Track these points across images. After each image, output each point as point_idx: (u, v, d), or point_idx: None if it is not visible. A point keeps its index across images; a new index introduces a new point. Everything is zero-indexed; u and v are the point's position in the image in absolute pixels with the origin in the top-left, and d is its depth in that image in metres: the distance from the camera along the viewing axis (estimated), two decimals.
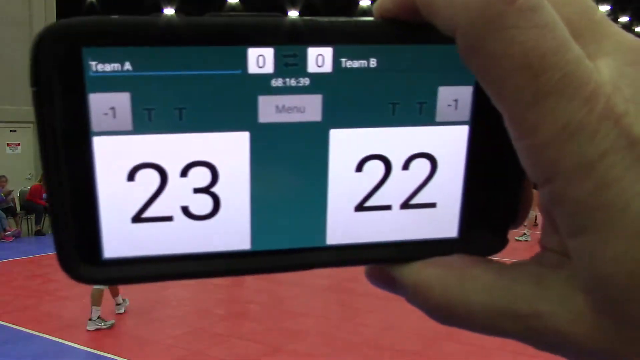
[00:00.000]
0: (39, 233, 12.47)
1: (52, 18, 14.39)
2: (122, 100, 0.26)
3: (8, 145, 13.49)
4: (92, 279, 0.29)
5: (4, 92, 13.32)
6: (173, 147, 0.27)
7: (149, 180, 0.28)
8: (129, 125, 0.27)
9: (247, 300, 7.81)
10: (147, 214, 0.28)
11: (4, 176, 12.37)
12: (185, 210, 0.29)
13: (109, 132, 0.26)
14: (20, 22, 13.66)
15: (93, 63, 0.26)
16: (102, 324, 6.34)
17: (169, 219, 0.29)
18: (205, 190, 0.28)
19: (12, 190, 12.52)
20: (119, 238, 0.28)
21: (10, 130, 13.51)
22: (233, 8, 24.18)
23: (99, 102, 0.26)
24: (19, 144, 13.64)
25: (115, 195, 0.27)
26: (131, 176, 0.27)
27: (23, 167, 13.06)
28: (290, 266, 0.30)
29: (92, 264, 0.28)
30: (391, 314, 6.94)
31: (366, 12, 24.20)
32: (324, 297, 7.74)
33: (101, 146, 0.27)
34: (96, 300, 6.34)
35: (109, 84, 0.26)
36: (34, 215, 12.57)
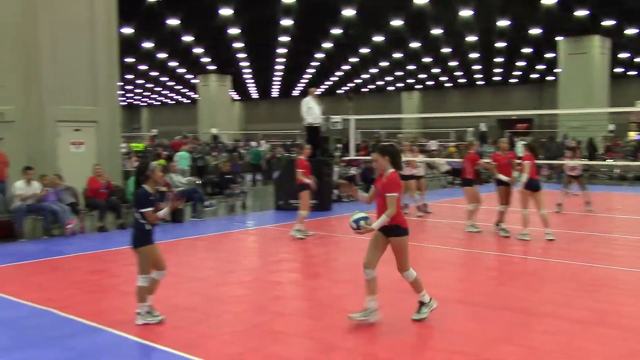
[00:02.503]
0: (101, 229, 12.82)
1: (113, 20, 14.76)
2: None
3: (72, 143, 13.94)
4: None
5: (68, 93, 13.74)
6: None
7: None
8: None
9: (304, 297, 7.82)
10: None
11: (57, 174, 12.80)
12: None
13: None
14: (82, 25, 14.04)
15: None
16: (151, 319, 6.47)
17: None
18: None
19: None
20: None
21: (75, 130, 13.94)
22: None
23: None
24: (82, 143, 14.07)
25: None
26: None
27: (86, 165, 13.46)
28: None
29: None
30: (446, 315, 6.83)
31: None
32: (378, 296, 7.67)
33: None
34: (141, 297, 6.46)
35: None
36: (97, 211, 12.95)
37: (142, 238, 6.42)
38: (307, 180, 11.78)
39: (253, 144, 37.21)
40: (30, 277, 8.98)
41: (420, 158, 15.55)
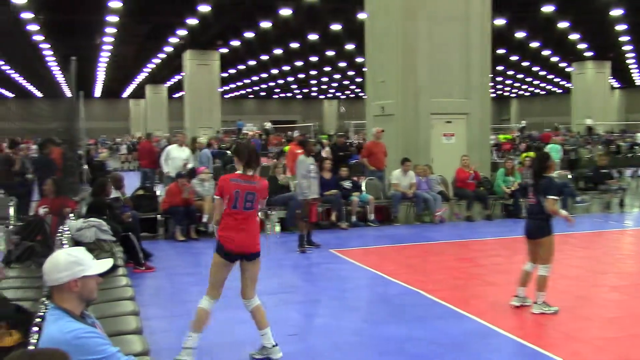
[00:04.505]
0: (468, 219, 13.11)
1: (487, 13, 14.85)
2: None
3: (444, 135, 14.53)
4: None
5: (441, 86, 14.33)
6: None
7: None
8: None
9: None
10: None
11: (427, 164, 13.47)
12: None
13: None
14: (457, 19, 14.43)
15: None
16: (547, 308, 6.42)
17: None
18: None
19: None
20: None
21: (446, 122, 14.50)
22: None
23: None
24: (453, 134, 14.57)
25: None
26: None
27: (456, 156, 13.88)
28: None
29: None
30: None
31: None
32: None
33: None
34: (541, 286, 6.45)
35: None
36: (465, 201, 13.29)
37: (548, 228, 6.53)
38: None
39: None
40: (403, 258, 9.68)
41: None
